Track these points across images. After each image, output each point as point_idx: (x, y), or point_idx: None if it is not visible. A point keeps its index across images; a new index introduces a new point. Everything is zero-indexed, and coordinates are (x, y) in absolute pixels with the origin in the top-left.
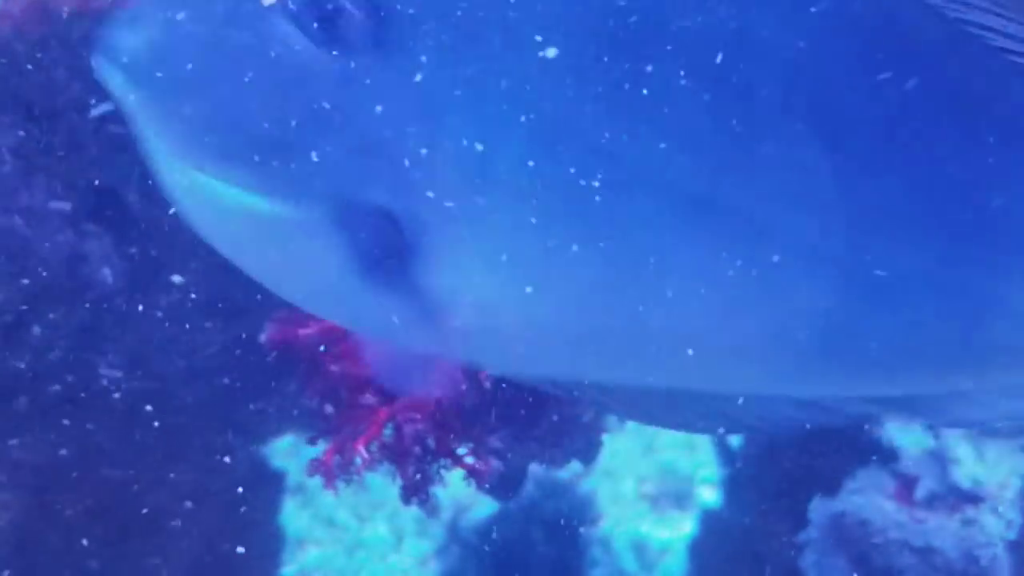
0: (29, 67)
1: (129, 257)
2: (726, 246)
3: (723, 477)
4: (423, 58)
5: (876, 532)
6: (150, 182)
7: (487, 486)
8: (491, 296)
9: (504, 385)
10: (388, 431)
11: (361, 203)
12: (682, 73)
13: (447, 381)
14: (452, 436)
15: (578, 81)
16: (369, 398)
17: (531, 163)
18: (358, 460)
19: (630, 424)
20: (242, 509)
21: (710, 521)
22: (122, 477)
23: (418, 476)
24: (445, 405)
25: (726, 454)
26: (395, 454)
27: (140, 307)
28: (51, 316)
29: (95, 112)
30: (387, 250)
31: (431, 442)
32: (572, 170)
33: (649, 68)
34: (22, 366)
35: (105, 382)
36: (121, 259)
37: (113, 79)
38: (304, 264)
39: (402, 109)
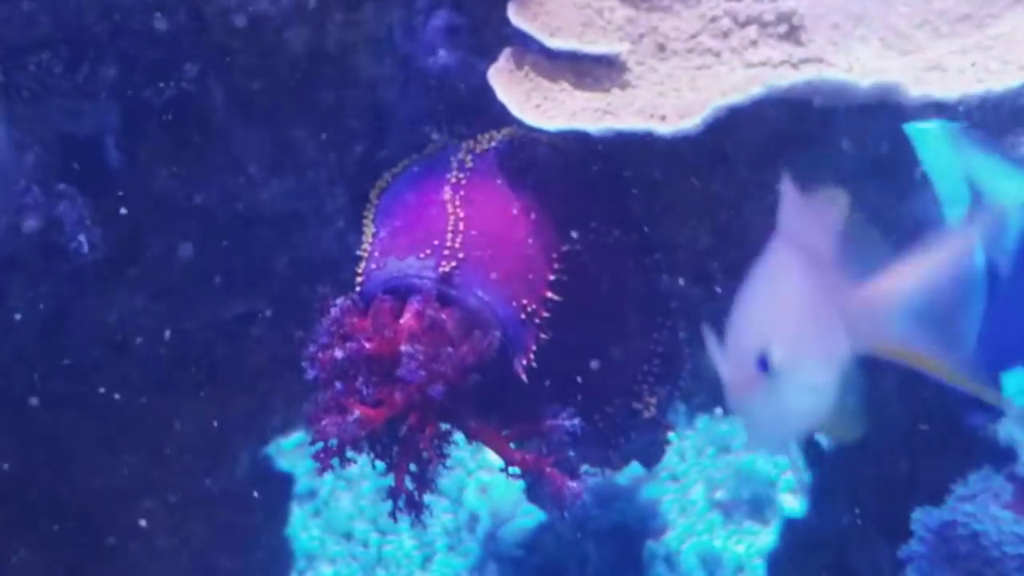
0: None
1: (108, 222)
2: None
3: (809, 482)
4: None
5: (991, 547)
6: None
7: (531, 494)
8: None
9: (549, 371)
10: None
11: None
12: None
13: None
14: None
15: None
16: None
17: None
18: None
19: (700, 421)
20: (241, 519)
21: (794, 533)
22: (102, 482)
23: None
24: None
25: (813, 454)
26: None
27: (121, 280)
28: (17, 293)
29: None
30: None
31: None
32: None
33: None
34: None
35: (82, 371)
36: (99, 225)
37: None
38: None
39: None
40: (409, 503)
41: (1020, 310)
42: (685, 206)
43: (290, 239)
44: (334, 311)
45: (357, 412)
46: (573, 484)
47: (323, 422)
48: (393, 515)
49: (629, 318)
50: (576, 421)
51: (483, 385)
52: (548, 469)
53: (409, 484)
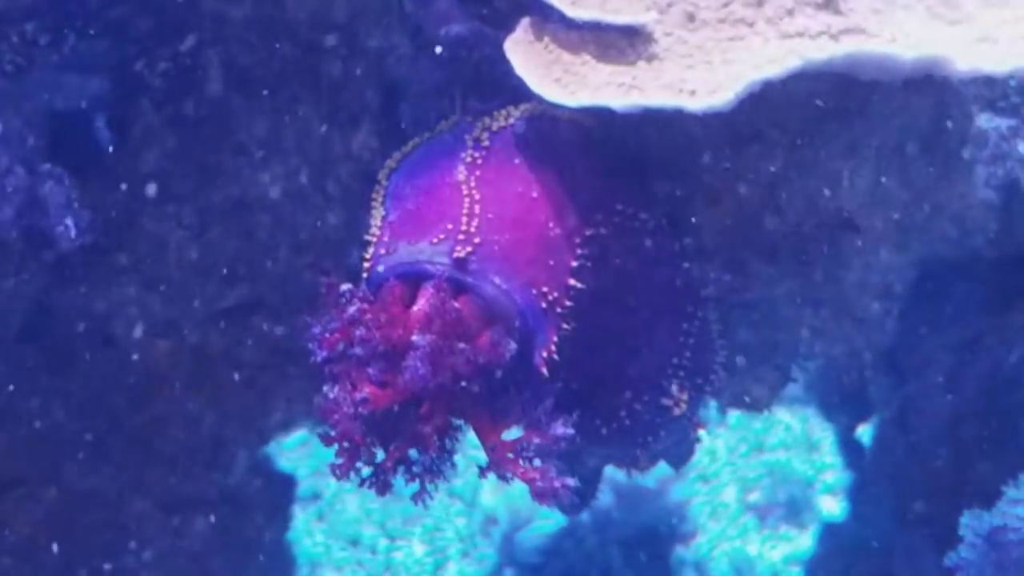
0: None
1: (97, 205)
2: None
3: (850, 483)
4: None
5: None
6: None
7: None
8: None
9: (572, 364)
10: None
11: None
12: None
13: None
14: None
15: None
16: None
17: None
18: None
19: (732, 418)
20: (239, 522)
21: (833, 538)
22: (91, 482)
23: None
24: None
25: (854, 454)
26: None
27: (111, 268)
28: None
29: None
30: None
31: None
32: None
33: None
34: None
35: (69, 364)
36: (87, 207)
37: None
38: None
39: None
40: (382, 483)
41: None
42: (716, 188)
43: (292, 223)
44: (351, 310)
45: (366, 391)
46: (559, 483)
47: (333, 398)
48: (361, 483)
49: (657, 307)
50: (571, 428)
51: (500, 379)
52: (538, 483)
53: (403, 471)
